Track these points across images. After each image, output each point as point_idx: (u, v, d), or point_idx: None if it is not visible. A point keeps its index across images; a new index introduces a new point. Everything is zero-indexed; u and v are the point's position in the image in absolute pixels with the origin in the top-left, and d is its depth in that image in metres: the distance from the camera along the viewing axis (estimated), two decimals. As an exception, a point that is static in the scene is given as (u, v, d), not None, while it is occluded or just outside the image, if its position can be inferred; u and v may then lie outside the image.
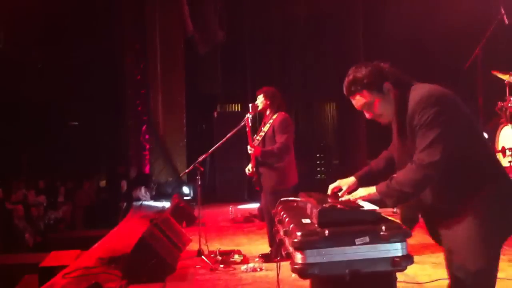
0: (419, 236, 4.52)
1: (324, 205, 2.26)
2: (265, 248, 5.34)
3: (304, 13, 12.27)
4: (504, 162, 6.32)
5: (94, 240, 6.62)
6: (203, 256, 5.20)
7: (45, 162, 12.59)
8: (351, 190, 2.59)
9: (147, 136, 11.82)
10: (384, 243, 2.09)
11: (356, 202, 2.45)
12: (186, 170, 6.16)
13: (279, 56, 12.80)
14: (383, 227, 2.11)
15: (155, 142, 11.64)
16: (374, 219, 2.20)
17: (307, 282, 2.36)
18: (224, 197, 10.16)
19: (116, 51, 12.23)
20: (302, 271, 2.09)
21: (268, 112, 5.16)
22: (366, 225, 2.15)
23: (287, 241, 2.25)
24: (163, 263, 4.61)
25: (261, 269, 4.79)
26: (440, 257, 3.29)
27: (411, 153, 2.34)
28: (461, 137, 2.27)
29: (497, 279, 2.30)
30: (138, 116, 11.88)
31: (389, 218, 2.27)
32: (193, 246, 5.57)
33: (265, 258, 5.08)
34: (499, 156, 6.41)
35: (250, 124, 5.00)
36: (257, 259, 5.14)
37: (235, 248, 5.63)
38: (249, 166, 5.10)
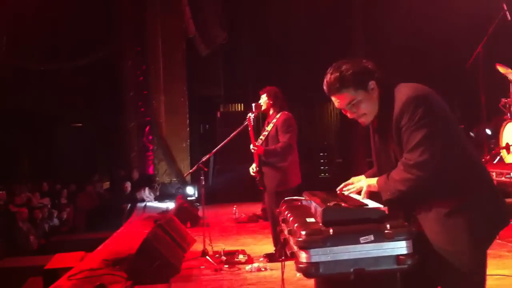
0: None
1: (328, 204, 2.26)
2: (270, 248, 5.34)
3: (305, 13, 12.28)
4: (509, 158, 6.30)
5: (98, 242, 6.63)
6: (207, 257, 5.21)
7: (48, 164, 12.63)
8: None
9: (150, 137, 11.83)
10: (389, 241, 2.08)
11: (360, 200, 2.43)
12: (190, 171, 6.16)
13: (280, 56, 12.81)
14: (388, 225, 2.10)
15: (158, 143, 11.66)
16: (379, 217, 2.19)
17: (311, 282, 2.35)
18: (227, 197, 10.16)
19: (117, 53, 12.25)
20: (307, 270, 2.08)
21: (271, 112, 5.17)
22: (370, 224, 2.14)
23: (291, 240, 2.25)
24: (168, 264, 4.60)
25: (265, 269, 4.79)
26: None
27: (395, 153, 2.29)
28: (448, 136, 2.22)
29: (502, 276, 2.29)
30: (140, 118, 11.90)
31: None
32: (198, 246, 5.58)
33: (270, 257, 5.09)
34: (503, 152, 6.39)
35: (252, 123, 5.00)
36: (261, 259, 5.15)
37: (240, 248, 5.64)
38: (253, 166, 5.10)
